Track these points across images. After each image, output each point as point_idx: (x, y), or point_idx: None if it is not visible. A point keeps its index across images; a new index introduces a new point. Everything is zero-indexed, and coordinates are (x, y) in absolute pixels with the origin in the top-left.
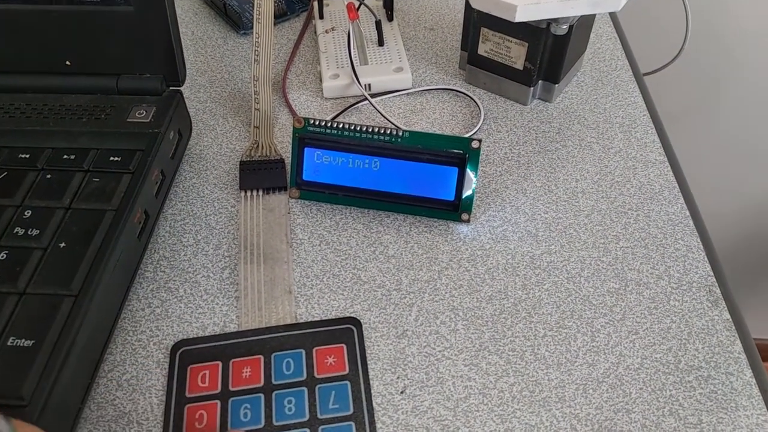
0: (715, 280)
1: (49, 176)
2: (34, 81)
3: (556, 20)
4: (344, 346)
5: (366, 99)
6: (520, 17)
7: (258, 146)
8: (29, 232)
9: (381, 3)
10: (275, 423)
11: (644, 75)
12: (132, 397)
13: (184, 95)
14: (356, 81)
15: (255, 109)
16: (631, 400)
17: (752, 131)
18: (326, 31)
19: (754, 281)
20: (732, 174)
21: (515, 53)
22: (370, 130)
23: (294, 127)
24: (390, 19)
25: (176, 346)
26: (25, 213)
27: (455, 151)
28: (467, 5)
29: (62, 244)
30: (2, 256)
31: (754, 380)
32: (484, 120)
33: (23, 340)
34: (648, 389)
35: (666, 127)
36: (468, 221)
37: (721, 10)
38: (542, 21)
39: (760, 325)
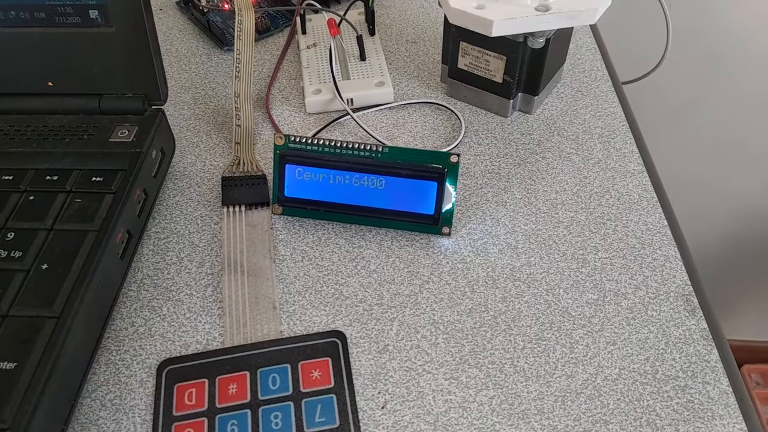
0: (692, 289)
1: (31, 198)
2: (17, 102)
3: (532, 34)
4: (329, 360)
5: (348, 114)
6: (496, 32)
7: (239, 162)
8: (12, 254)
9: (363, 17)
10: None
11: (627, 83)
12: (116, 417)
13: (168, 112)
14: (338, 96)
15: (236, 125)
16: (609, 411)
17: (734, 135)
18: (308, 47)
19: (744, 282)
20: (715, 177)
21: (494, 67)
22: (351, 146)
23: (275, 144)
24: (372, 33)
25: (162, 365)
26: (8, 235)
27: (434, 165)
28: (446, 20)
29: (44, 266)
30: None
31: (730, 389)
32: (465, 133)
33: (6, 363)
34: (625, 400)
35: (649, 133)
36: (449, 234)
37: (702, 17)
38: (519, 35)
39: (749, 327)
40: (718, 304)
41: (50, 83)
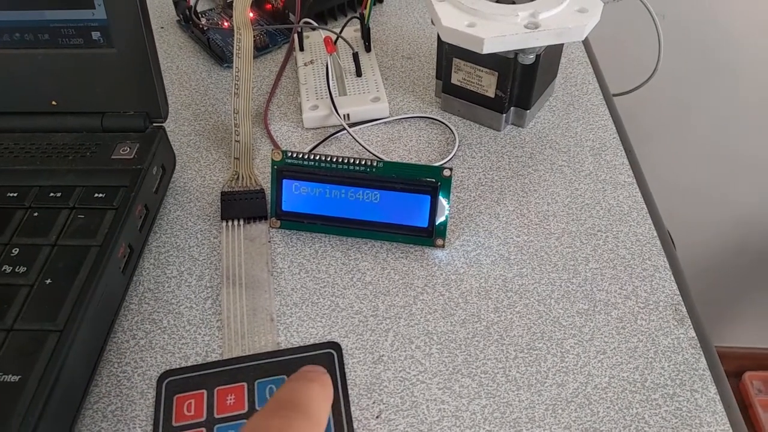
0: (680, 298)
1: (36, 214)
2: (22, 121)
3: (522, 50)
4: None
5: (345, 129)
6: (487, 49)
7: (238, 177)
8: (16, 269)
9: (359, 34)
10: None
11: (620, 95)
12: (117, 428)
13: (169, 128)
14: (335, 112)
15: (235, 141)
16: (599, 419)
17: (728, 143)
18: (306, 64)
19: (744, 288)
20: (712, 185)
21: (486, 82)
22: (346, 161)
23: (272, 160)
24: (368, 50)
25: (163, 377)
26: (13, 251)
27: (428, 179)
28: (439, 37)
29: (48, 281)
30: None
31: (718, 396)
32: (459, 146)
33: (10, 376)
34: (615, 408)
35: (644, 142)
36: (442, 246)
37: (694, 28)
38: (510, 51)
39: (750, 334)
40: (719, 311)
41: (54, 102)
